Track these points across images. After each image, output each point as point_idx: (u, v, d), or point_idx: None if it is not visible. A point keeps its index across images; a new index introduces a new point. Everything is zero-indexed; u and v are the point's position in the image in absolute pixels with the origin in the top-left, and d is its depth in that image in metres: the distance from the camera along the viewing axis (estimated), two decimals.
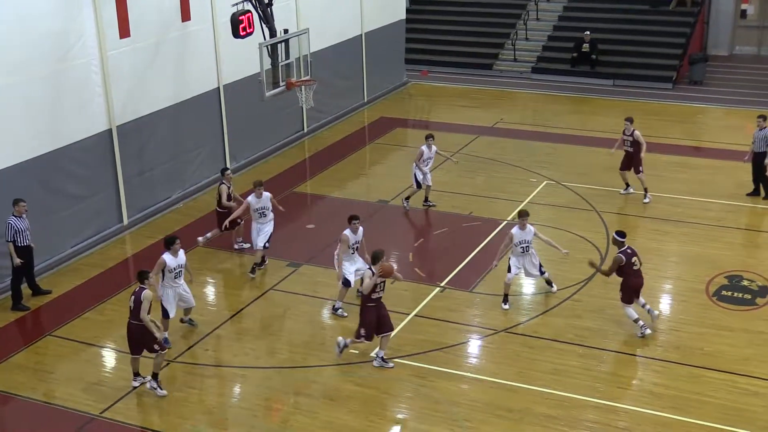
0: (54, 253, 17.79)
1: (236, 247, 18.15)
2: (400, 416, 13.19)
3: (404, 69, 31.35)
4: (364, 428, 12.85)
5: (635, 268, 14.76)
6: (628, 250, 14.82)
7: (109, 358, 14.92)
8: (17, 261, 15.87)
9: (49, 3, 17.23)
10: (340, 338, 14.37)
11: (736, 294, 16.25)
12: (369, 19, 27.99)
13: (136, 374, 13.85)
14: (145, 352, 13.64)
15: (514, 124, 26.36)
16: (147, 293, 13.35)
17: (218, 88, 21.81)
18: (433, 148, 19.67)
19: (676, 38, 31.43)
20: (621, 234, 14.97)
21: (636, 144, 20.03)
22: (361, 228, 15.86)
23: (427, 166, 19.65)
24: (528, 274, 16.01)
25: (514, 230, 15.69)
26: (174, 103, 20.47)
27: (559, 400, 13.34)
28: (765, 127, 20.17)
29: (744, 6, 32.89)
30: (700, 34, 32.99)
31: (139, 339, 13.46)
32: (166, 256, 14.60)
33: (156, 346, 13.45)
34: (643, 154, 20.04)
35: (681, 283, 16.81)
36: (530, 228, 15.72)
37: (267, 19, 19.20)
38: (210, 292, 17.18)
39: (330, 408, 13.28)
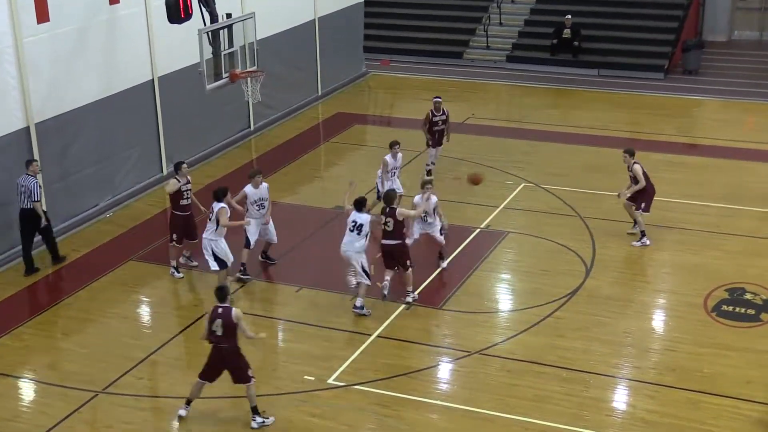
0: None
1: (181, 261, 17.95)
2: None
3: (363, 58, 31.37)
4: None
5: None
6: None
7: (27, 389, 14.72)
8: (44, 222, 17.81)
9: None
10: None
11: (737, 309, 16.42)
12: (323, 2, 27.98)
13: (189, 402, 13.49)
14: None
15: (486, 119, 26.47)
16: (238, 312, 13.09)
17: (152, 80, 21.67)
18: (399, 156, 19.59)
19: (668, 22, 31.80)
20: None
21: (634, 179, 18.59)
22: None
23: (393, 176, 19.56)
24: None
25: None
26: (101, 98, 20.29)
27: (540, 430, 13.35)
28: None
29: None
30: (694, 18, 33.43)
31: (232, 366, 13.20)
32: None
33: (249, 372, 13.27)
34: (629, 190, 18.54)
35: (676, 297, 16.96)
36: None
37: (207, 2, 19.12)
38: (144, 311, 17.04)
39: None
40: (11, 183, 18.32)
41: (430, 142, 21.89)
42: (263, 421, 13.41)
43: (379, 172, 19.54)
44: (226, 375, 13.27)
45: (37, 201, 17.59)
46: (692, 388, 14.23)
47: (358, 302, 16.29)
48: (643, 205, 18.65)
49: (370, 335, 15.69)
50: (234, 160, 23.45)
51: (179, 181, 17.48)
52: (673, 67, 31.00)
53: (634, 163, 18.60)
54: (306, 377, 14.58)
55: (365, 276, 16.35)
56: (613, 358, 15.04)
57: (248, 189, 17.33)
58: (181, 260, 17.92)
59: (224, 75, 19.37)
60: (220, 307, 13.13)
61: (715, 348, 15.26)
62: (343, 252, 16.37)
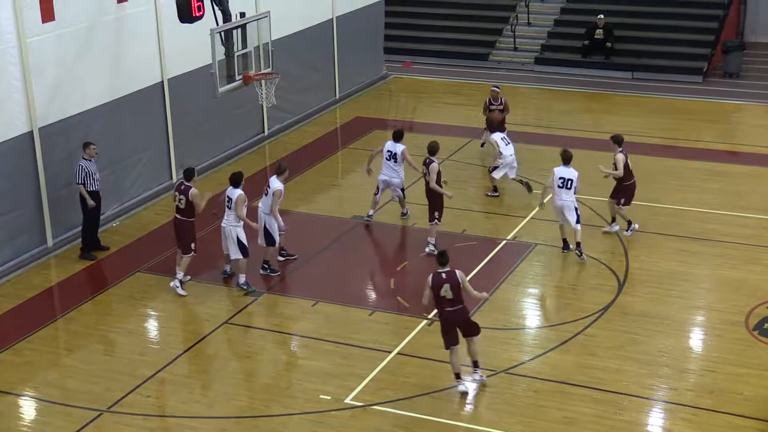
0: None
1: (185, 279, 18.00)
2: None
3: (383, 60, 31.40)
4: None
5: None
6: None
7: (28, 408, 14.78)
8: (91, 203, 18.49)
9: None
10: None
11: None
12: (342, 0, 28.01)
13: (459, 375, 14.51)
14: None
15: (514, 125, 26.37)
16: (461, 273, 14.20)
17: (162, 82, 21.77)
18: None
19: (707, 22, 31.68)
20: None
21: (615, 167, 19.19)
22: None
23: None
24: None
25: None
26: (109, 101, 20.41)
27: None
28: None
29: None
30: (735, 18, 33.27)
31: (465, 323, 14.35)
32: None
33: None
34: (612, 172, 19.13)
35: (715, 314, 16.86)
36: None
37: (220, 1, 19.17)
38: (152, 326, 17.09)
39: None
40: (13, 191, 18.42)
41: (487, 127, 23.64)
42: (482, 378, 14.64)
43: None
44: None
45: (80, 183, 18.43)
46: (732, 411, 14.13)
47: (405, 209, 20.29)
48: (623, 200, 19.40)
49: (390, 352, 15.67)
50: (247, 167, 23.38)
51: None
52: (713, 70, 30.87)
53: (619, 151, 19.22)
54: (321, 396, 14.56)
55: (402, 194, 19.93)
56: (647, 378, 14.96)
57: (281, 185, 17.80)
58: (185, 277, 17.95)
59: (237, 77, 19.41)
60: (443, 272, 14.12)
61: (757, 369, 15.15)
62: (381, 178, 19.74)
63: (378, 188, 20.11)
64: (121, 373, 15.25)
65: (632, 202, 19.52)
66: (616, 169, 19.15)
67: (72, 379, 15.25)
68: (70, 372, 15.52)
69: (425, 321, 16.55)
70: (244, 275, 17.49)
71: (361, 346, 15.84)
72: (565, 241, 18.82)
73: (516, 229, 19.84)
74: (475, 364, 14.68)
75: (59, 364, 15.90)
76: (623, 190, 19.39)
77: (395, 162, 19.55)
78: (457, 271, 14.17)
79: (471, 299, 14.63)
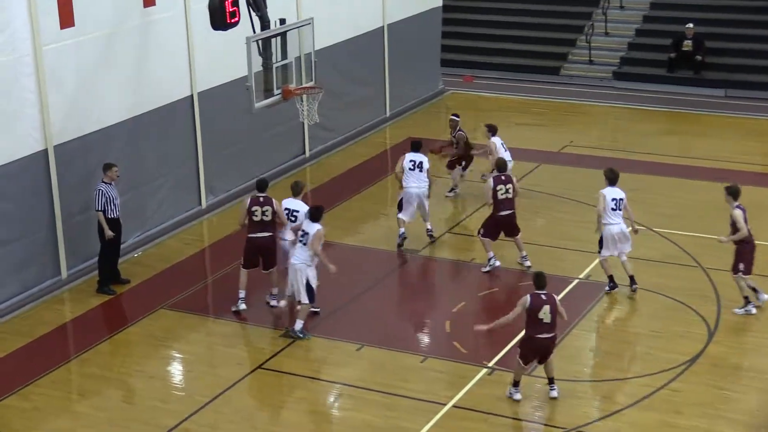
0: None
1: (272, 303, 18.27)
2: None
3: (440, 73, 31.48)
4: None
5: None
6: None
7: None
8: (109, 233, 18.53)
9: None
10: None
11: None
12: (394, 6, 28.18)
13: (517, 384, 15.53)
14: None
15: (588, 148, 26.36)
16: (557, 298, 15.29)
17: (191, 96, 21.94)
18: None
19: None
20: None
21: (734, 227, 17.90)
22: None
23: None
24: None
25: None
26: (132, 116, 20.60)
27: None
28: None
29: None
30: None
31: (550, 353, 15.24)
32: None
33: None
34: (733, 237, 17.75)
35: None
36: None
37: (257, 6, 19.31)
38: (176, 370, 17.15)
39: None
40: (24, 217, 18.59)
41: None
42: (558, 394, 15.44)
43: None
44: None
45: (100, 210, 18.55)
46: None
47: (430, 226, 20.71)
48: (741, 266, 17.87)
49: (444, 405, 15.59)
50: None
51: None
52: None
53: (737, 206, 17.95)
54: None
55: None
56: None
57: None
58: (271, 302, 18.28)
59: (276, 91, 19.50)
60: (543, 294, 15.06)
61: None
62: (411, 191, 20.29)
63: (401, 206, 20.51)
64: (141, 422, 15.29)
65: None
66: (735, 230, 17.71)
67: (85, 428, 15.28)
68: (83, 420, 15.56)
69: (485, 369, 16.48)
70: (302, 322, 17.31)
71: (411, 396, 15.77)
72: (611, 277, 18.77)
73: (589, 267, 19.69)
74: (551, 381, 15.42)
75: (71, 410, 15.96)
76: (739, 254, 17.87)
77: (420, 171, 20.38)
78: (554, 295, 15.15)
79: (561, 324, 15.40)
